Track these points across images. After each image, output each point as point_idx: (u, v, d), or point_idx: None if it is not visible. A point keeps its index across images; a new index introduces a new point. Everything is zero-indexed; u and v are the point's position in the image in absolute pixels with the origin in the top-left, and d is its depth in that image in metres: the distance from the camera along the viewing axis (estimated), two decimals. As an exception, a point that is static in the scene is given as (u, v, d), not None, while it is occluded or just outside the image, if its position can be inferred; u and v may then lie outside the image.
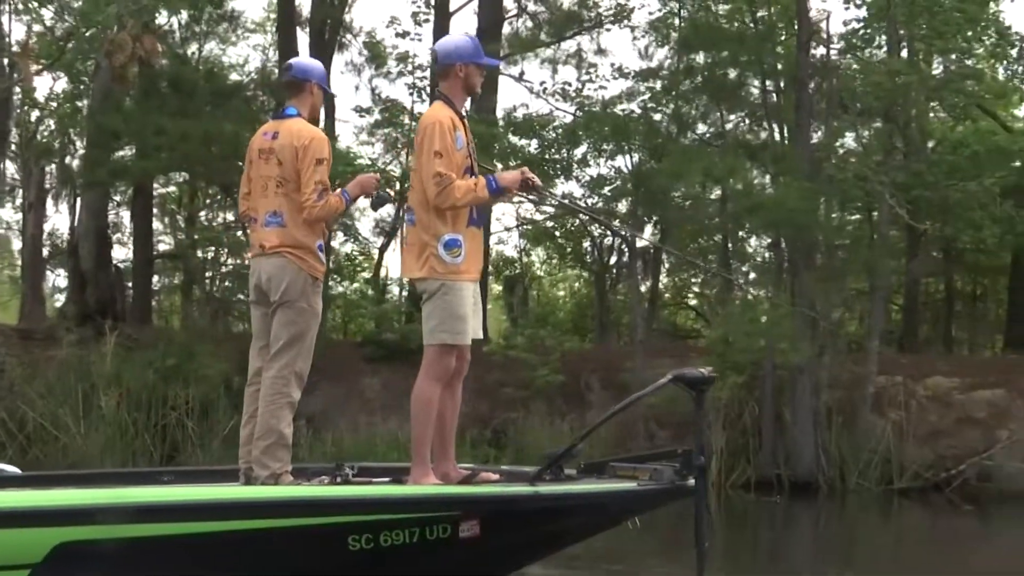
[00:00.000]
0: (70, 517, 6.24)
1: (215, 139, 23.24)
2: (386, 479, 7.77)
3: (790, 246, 21.76)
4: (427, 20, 24.46)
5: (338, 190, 7.46)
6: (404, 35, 24.04)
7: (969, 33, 21.52)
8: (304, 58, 8.14)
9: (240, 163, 26.13)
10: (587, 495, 7.16)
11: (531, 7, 28.38)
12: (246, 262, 29.27)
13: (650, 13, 26.32)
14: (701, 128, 25.99)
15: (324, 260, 7.63)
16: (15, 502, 6.37)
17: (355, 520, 6.64)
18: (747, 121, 26.10)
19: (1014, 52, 27.82)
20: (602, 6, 27.15)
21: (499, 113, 26.51)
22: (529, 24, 28.67)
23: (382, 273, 30.81)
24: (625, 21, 26.62)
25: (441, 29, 27.64)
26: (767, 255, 25.65)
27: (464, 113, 7.57)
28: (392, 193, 8.27)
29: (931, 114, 28.48)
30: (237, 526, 6.46)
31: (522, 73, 26.71)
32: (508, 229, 32.00)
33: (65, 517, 6.24)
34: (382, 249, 30.52)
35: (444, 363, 7.32)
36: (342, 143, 26.86)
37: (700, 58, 24.48)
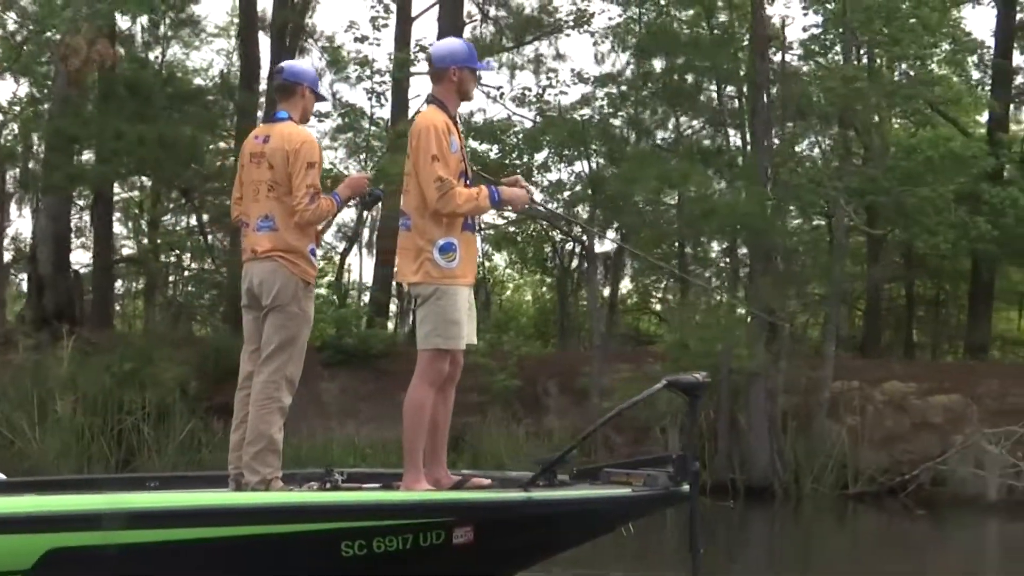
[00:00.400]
0: (61, 523, 6.18)
1: (172, 144, 23.11)
2: (376, 485, 7.65)
3: (750, 251, 21.81)
4: (385, 25, 24.38)
5: (328, 193, 7.40)
6: (363, 39, 23.93)
7: (926, 39, 21.48)
8: (296, 61, 8.06)
9: (198, 167, 26.45)
10: (581, 501, 7.13)
11: (492, 12, 28.37)
12: (206, 267, 29.37)
13: (610, 19, 26.26)
14: (663, 134, 26.06)
15: (316, 264, 7.55)
16: (4, 508, 6.27)
17: (349, 526, 6.58)
18: (706, 127, 26.15)
19: (973, 59, 28.22)
20: (562, 12, 27.17)
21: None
22: (492, 29, 28.68)
23: (344, 278, 30.75)
24: (585, 27, 26.55)
25: (403, 34, 27.71)
26: (725, 260, 25.67)
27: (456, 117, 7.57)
28: (378, 194, 8.12)
29: (894, 120, 28.72)
30: (229, 532, 6.40)
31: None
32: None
33: (56, 523, 6.18)
34: (344, 254, 30.48)
35: (437, 368, 7.23)
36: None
37: (658, 64, 24.52)
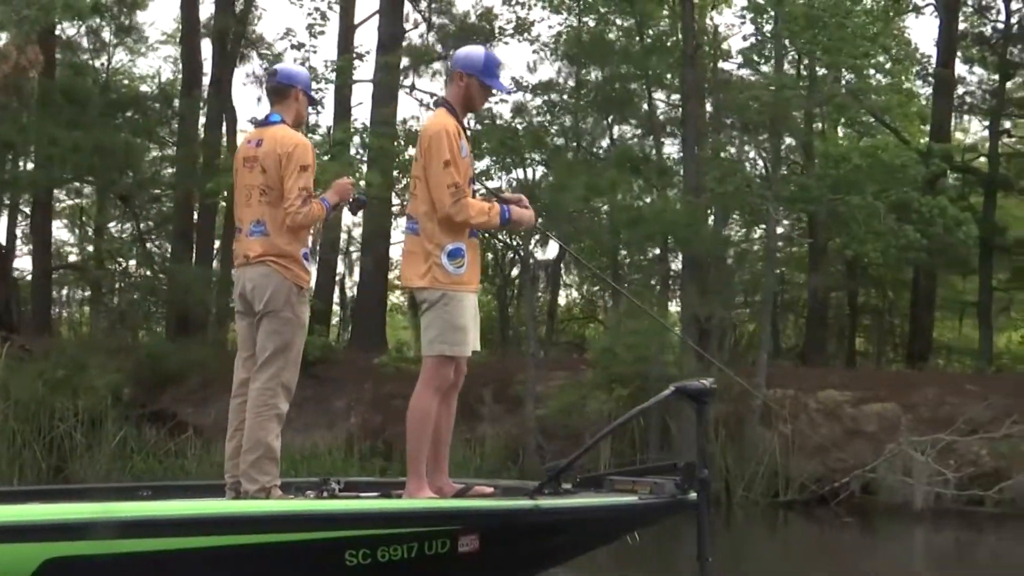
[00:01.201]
0: (60, 532, 6.03)
1: (108, 150, 23.03)
2: (375, 494, 7.65)
3: (683, 259, 21.86)
4: (322, 32, 24.34)
5: (317, 198, 7.30)
6: (299, 47, 23.92)
7: (860, 48, 21.55)
8: (289, 64, 7.93)
9: (134, 174, 26.37)
10: (588, 509, 7.06)
11: (435, 19, 28.39)
12: (147, 272, 29.23)
13: (549, 27, 26.32)
14: (604, 142, 26.07)
15: (309, 269, 7.51)
16: (3, 517, 6.12)
17: (353, 535, 6.48)
18: (639, 136, 26.19)
19: (915, 68, 28.38)
20: (501, 19, 27.18)
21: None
22: (432, 38, 28.72)
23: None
24: (526, 34, 26.58)
25: (345, 41, 27.71)
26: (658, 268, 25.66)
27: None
28: (364, 198, 8.01)
29: (839, 129, 28.87)
30: (232, 541, 6.27)
31: (413, 85, 26.58)
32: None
33: (55, 532, 6.03)
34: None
35: (442, 374, 7.16)
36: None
37: (594, 72, 24.56)
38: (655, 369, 20.13)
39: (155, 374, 23.45)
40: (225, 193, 24.51)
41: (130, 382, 23.18)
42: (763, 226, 25.82)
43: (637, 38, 23.73)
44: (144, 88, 31.86)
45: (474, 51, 7.49)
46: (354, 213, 8.61)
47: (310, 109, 8.22)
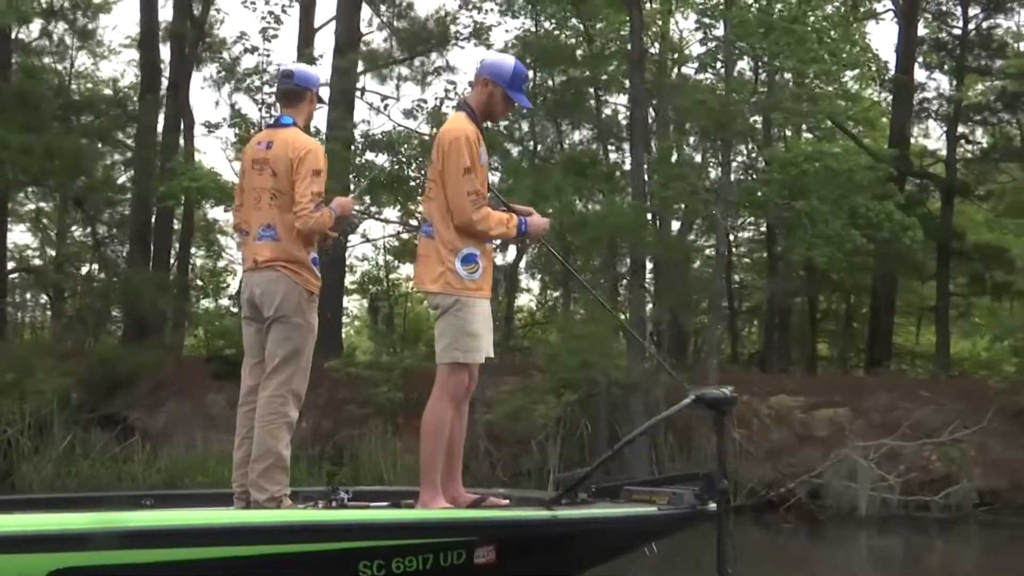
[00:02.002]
0: (68, 542, 5.90)
1: (59, 154, 22.94)
2: (384, 503, 7.50)
3: (631, 263, 21.84)
4: (276, 36, 24.29)
5: (325, 207, 7.15)
6: (252, 50, 23.87)
7: (809, 54, 21.57)
8: (304, 65, 7.67)
9: (86, 179, 26.29)
10: (607, 520, 6.95)
11: (395, 23, 28.35)
12: (102, 277, 29.08)
13: (507, 31, 26.27)
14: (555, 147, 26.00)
15: (319, 274, 7.36)
16: (9, 526, 6.01)
17: (367, 546, 6.37)
18: (590, 140, 26.16)
19: (864, 71, 28.36)
20: (459, 23, 27.14)
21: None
22: (391, 43, 28.68)
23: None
24: (484, 37, 26.51)
25: (305, 45, 27.63)
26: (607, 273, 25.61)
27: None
28: (356, 221, 7.87)
29: (803, 135, 28.85)
30: (243, 552, 6.17)
31: (363, 89, 26.50)
32: (369, 240, 31.84)
33: (63, 542, 5.90)
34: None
35: (457, 382, 7.07)
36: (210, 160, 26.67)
37: (546, 77, 24.50)
38: (604, 375, 20.06)
39: (106, 378, 23.35)
40: (183, 199, 24.50)
41: (80, 386, 23.07)
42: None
43: (585, 42, 23.69)
44: (108, 92, 31.80)
45: (504, 61, 7.34)
46: (340, 233, 8.47)
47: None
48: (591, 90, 24.11)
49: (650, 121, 23.34)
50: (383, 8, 28.59)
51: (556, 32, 25.29)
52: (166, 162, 25.32)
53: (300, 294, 7.13)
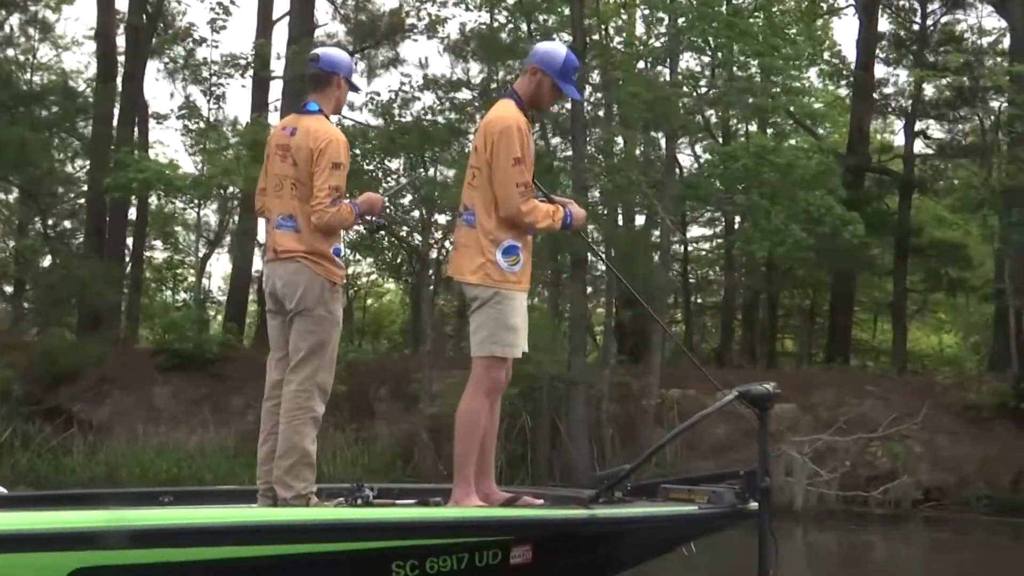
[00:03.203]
0: (91, 541, 5.62)
1: (5, 145, 22.85)
2: (411, 501, 7.23)
3: (572, 258, 21.75)
4: (224, 27, 24.23)
5: (348, 201, 6.83)
6: (201, 42, 23.80)
7: (754, 47, 21.51)
8: (332, 49, 7.17)
9: (34, 169, 26.22)
10: (646, 519, 6.70)
11: (351, 16, 28.31)
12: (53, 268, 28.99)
13: (462, 23, 26.13)
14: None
15: (342, 264, 7.02)
16: (31, 524, 5.77)
17: (401, 545, 6.12)
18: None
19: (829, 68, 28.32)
20: (413, 16, 27.04)
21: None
22: (343, 32, 28.71)
23: (204, 283, 30.57)
24: (438, 30, 26.40)
25: (263, 37, 27.59)
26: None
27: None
28: (384, 221, 7.46)
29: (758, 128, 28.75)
30: (271, 551, 5.91)
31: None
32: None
33: (85, 541, 5.62)
34: (204, 258, 30.28)
35: (494, 376, 6.80)
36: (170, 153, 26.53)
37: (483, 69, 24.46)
38: (540, 368, 19.99)
39: (49, 371, 23.28)
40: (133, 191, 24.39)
41: (24, 378, 23.00)
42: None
43: (527, 35, 23.57)
44: (69, 83, 31.75)
45: (555, 49, 7.07)
46: (371, 233, 8.11)
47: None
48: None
49: (602, 114, 23.29)
50: (340, 1, 28.48)
51: (510, 25, 25.16)
52: (118, 154, 25.19)
53: (322, 285, 6.81)
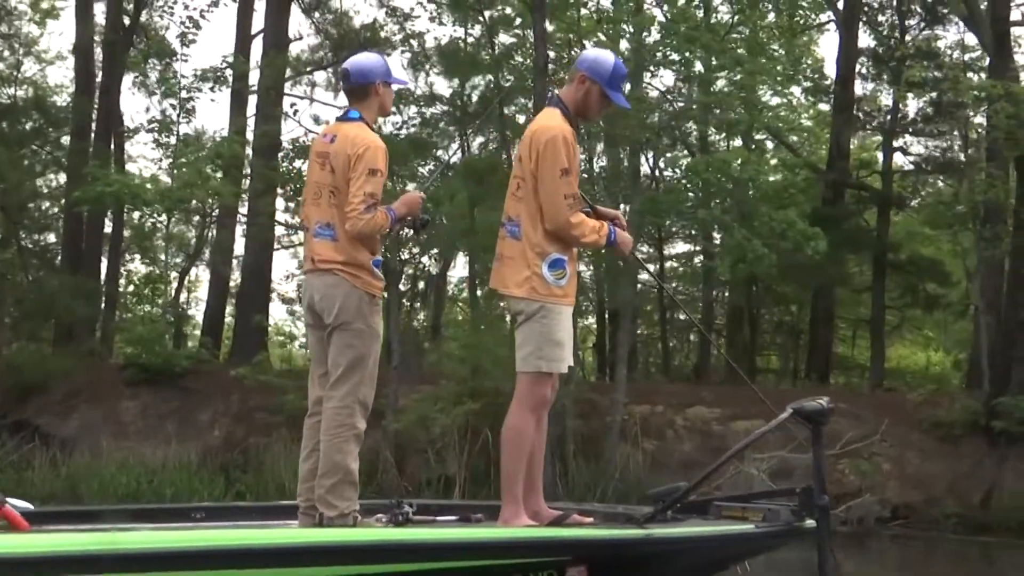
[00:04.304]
0: (143, 562, 5.46)
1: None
2: (452, 517, 7.28)
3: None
4: (194, 41, 24.27)
5: (383, 207, 6.73)
6: (172, 55, 23.82)
7: (719, 63, 21.47)
8: (361, 57, 7.08)
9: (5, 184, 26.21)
10: (702, 538, 6.61)
11: (329, 29, 28.35)
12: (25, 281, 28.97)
13: (435, 39, 26.14)
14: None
15: (381, 276, 6.88)
16: (60, 546, 5.50)
17: (455, 566, 6.01)
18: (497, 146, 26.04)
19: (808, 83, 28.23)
20: (387, 31, 27.09)
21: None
22: (314, 46, 28.79)
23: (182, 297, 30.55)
24: (413, 43, 26.44)
25: (242, 52, 27.60)
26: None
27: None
28: (426, 218, 7.29)
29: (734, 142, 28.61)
30: (319, 573, 5.79)
31: (280, 93, 26.33)
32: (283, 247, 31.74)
33: (137, 562, 5.46)
34: (183, 272, 30.25)
35: (540, 392, 6.70)
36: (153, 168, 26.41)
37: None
38: (496, 382, 19.87)
39: (17, 384, 23.25)
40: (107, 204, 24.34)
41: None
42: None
43: (490, 49, 23.59)
44: (55, 98, 31.93)
45: (604, 57, 6.95)
46: (417, 233, 8.00)
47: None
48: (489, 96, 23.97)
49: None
50: (317, 15, 28.49)
51: (483, 40, 25.17)
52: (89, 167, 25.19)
53: (360, 298, 6.70)
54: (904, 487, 21.85)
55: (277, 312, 34.36)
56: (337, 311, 6.66)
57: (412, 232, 7.61)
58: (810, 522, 6.53)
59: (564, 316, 6.65)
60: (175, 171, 24.79)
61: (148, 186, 23.08)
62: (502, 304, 6.86)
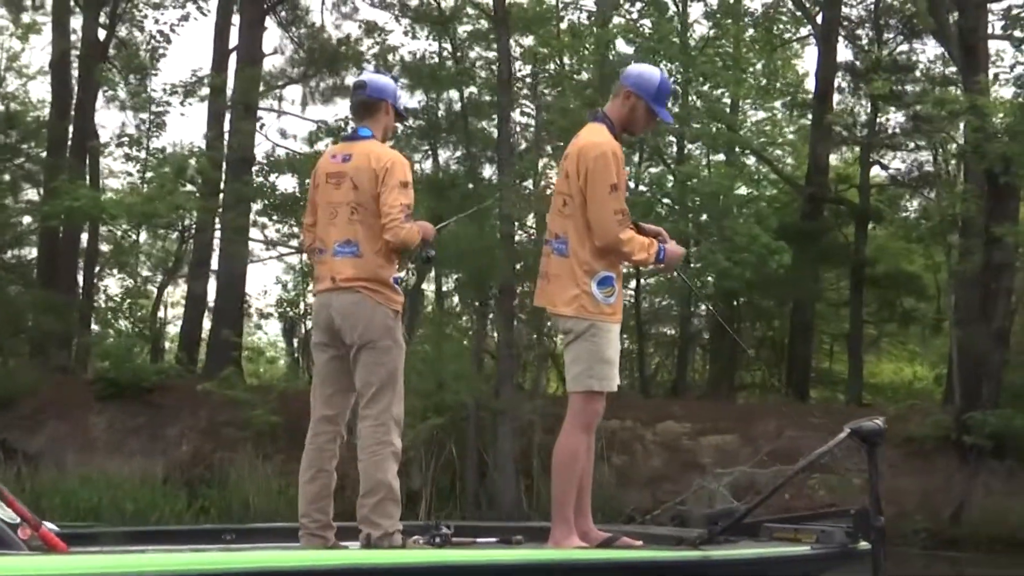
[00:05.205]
0: None
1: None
2: (492, 539, 7.14)
3: (500, 288, 21.63)
4: (164, 55, 24.28)
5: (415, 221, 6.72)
6: (140, 71, 23.81)
7: (686, 76, 21.46)
8: (378, 75, 7.11)
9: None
10: (759, 560, 6.58)
11: (305, 43, 28.37)
12: None
13: (410, 52, 26.10)
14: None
15: (401, 292, 6.88)
16: (110, 567, 5.30)
17: None
18: (460, 160, 26.03)
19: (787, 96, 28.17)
20: (364, 45, 27.09)
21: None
22: (289, 62, 28.80)
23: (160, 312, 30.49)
24: (389, 57, 26.38)
25: (220, 67, 27.60)
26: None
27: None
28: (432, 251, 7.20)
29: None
30: None
31: (249, 106, 26.28)
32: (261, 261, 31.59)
33: None
34: (161, 287, 30.21)
35: (592, 410, 6.66)
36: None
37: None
38: (458, 397, 19.83)
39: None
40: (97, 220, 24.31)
41: None
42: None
43: (453, 62, 23.60)
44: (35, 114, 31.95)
45: (649, 72, 6.92)
46: (421, 263, 7.97)
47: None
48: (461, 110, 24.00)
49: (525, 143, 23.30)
50: (292, 29, 28.51)
51: (459, 55, 25.16)
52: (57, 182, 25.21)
53: (385, 315, 6.65)
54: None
55: (272, 328, 34.27)
56: (363, 330, 6.60)
57: (419, 261, 7.66)
58: (864, 544, 6.50)
59: (613, 334, 6.62)
60: (144, 185, 24.79)
61: (114, 200, 23.02)
62: (549, 323, 6.79)
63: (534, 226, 22.30)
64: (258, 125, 26.13)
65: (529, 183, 22.70)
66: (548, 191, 23.19)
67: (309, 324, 32.07)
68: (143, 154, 25.87)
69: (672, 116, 7.02)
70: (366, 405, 6.65)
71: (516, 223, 21.12)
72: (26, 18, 32.18)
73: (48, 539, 6.00)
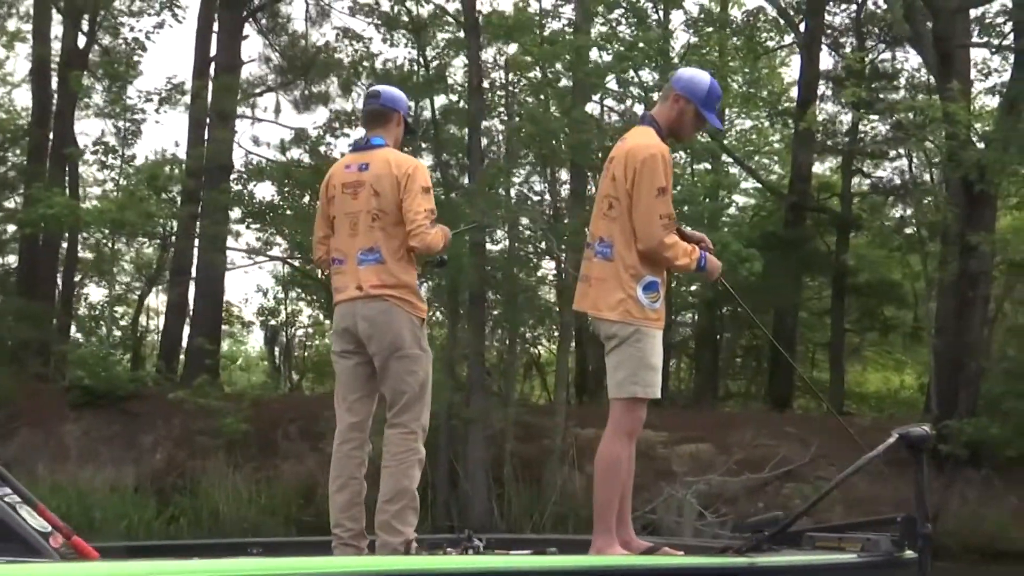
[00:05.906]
0: None
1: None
2: (527, 551, 6.91)
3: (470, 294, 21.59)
4: (139, 61, 24.27)
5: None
6: (115, 78, 23.78)
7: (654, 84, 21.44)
8: (391, 87, 7.06)
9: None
10: (807, 568, 6.46)
11: (285, 51, 28.37)
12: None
13: (387, 60, 26.02)
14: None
15: (424, 298, 6.84)
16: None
17: None
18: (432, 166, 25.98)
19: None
20: (342, 53, 27.09)
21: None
22: (268, 69, 28.80)
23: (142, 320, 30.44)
24: (365, 68, 26.36)
25: (201, 75, 27.59)
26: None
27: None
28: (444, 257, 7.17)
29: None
30: None
31: (226, 114, 26.25)
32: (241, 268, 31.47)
33: None
34: (143, 295, 30.16)
35: (635, 418, 6.55)
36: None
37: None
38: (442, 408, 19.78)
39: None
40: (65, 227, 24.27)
41: None
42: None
43: (423, 69, 23.56)
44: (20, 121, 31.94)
45: (700, 76, 6.80)
46: (435, 267, 7.92)
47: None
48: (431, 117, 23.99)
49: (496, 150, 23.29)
50: (271, 37, 28.52)
51: (437, 61, 25.13)
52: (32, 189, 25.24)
53: (412, 323, 6.64)
54: (850, 511, 21.59)
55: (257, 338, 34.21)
56: (392, 339, 6.57)
57: (431, 265, 7.55)
58: (910, 553, 6.37)
59: (657, 340, 6.49)
60: (118, 193, 24.79)
61: (89, 208, 23.01)
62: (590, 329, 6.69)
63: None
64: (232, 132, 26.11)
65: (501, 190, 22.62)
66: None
67: (291, 332, 32.20)
68: (118, 162, 25.73)
69: (720, 123, 6.82)
70: (396, 413, 6.64)
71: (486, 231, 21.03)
72: (11, 26, 32.15)
73: (80, 547, 5.91)
